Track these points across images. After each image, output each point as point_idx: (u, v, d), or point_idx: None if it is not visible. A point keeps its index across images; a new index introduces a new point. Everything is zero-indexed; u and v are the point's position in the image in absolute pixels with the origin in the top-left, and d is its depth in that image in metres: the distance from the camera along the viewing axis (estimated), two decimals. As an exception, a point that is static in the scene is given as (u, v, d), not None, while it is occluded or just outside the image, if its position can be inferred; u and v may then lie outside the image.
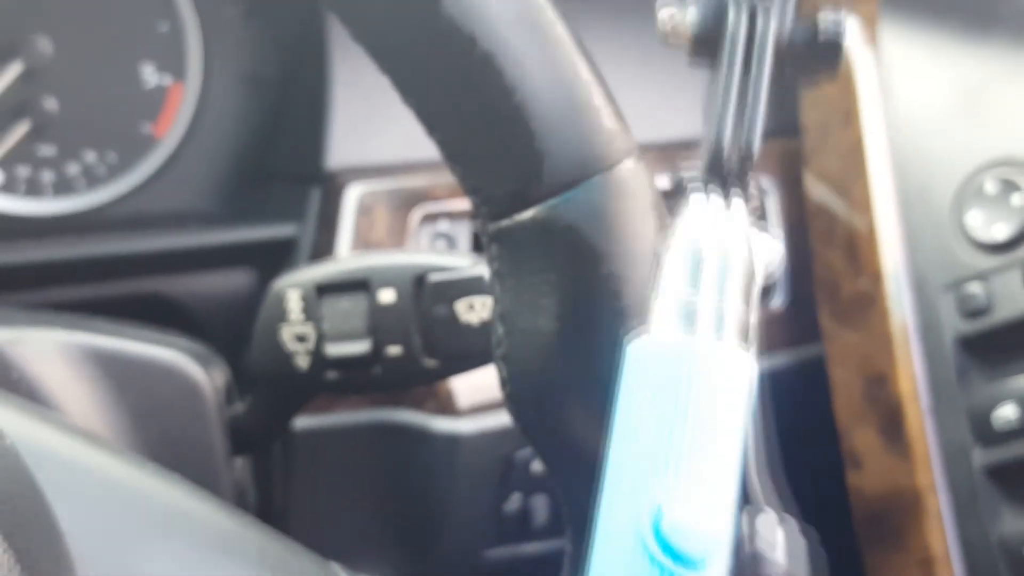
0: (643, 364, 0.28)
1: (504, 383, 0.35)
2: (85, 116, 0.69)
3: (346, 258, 0.54)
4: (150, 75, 0.70)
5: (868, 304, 0.69)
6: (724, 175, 0.30)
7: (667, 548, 0.25)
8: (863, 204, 0.70)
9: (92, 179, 0.69)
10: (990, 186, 0.64)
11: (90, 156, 0.69)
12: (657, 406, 0.27)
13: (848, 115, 0.71)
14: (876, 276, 0.69)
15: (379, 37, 0.34)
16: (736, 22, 0.31)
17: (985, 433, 0.65)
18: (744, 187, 0.31)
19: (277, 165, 0.72)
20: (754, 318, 0.29)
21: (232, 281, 0.69)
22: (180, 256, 0.67)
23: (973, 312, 0.64)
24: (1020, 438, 0.63)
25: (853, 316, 0.71)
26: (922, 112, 0.68)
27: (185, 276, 0.68)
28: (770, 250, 0.31)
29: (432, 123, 0.34)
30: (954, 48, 0.69)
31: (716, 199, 0.30)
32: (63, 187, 0.69)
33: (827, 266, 0.73)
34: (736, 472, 0.27)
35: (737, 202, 0.30)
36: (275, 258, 0.68)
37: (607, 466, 0.27)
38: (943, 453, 0.67)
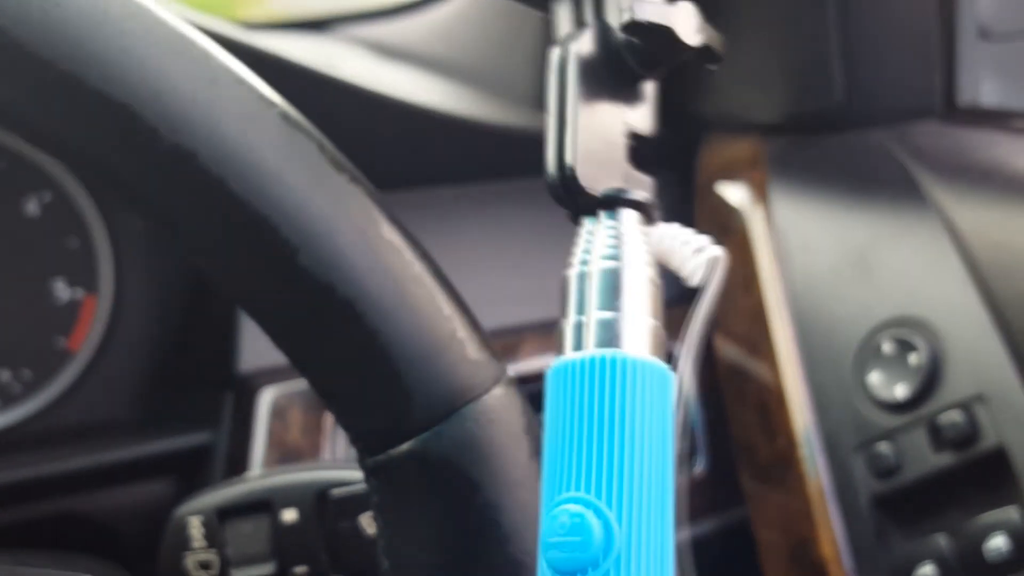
0: (555, 387, 0.29)
1: None
2: (-2, 335, 0.69)
3: (247, 478, 0.54)
4: (62, 290, 0.71)
5: (786, 466, 0.70)
6: (576, 197, 0.31)
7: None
8: (771, 365, 0.71)
9: (7, 397, 0.69)
10: (887, 347, 0.65)
11: (4, 375, 0.69)
12: (574, 422, 0.28)
13: (748, 281, 0.73)
14: (790, 437, 0.69)
15: (244, 291, 0.34)
16: (550, 61, 0.33)
17: (909, 595, 0.64)
18: (630, 203, 0.32)
19: (191, 371, 0.72)
20: (659, 324, 0.30)
21: (151, 492, 0.68)
22: (97, 473, 0.67)
23: (884, 472, 0.65)
24: (942, 599, 0.63)
25: (773, 477, 0.71)
26: (817, 275, 0.70)
27: (103, 492, 0.67)
28: (699, 250, 0.32)
29: (301, 365, 0.35)
30: (841, 211, 0.71)
31: (607, 220, 0.32)
32: (-22, 408, 0.68)
33: (743, 427, 0.74)
34: (668, 482, 0.28)
35: (626, 215, 0.32)
36: (193, 466, 0.67)
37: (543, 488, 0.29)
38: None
